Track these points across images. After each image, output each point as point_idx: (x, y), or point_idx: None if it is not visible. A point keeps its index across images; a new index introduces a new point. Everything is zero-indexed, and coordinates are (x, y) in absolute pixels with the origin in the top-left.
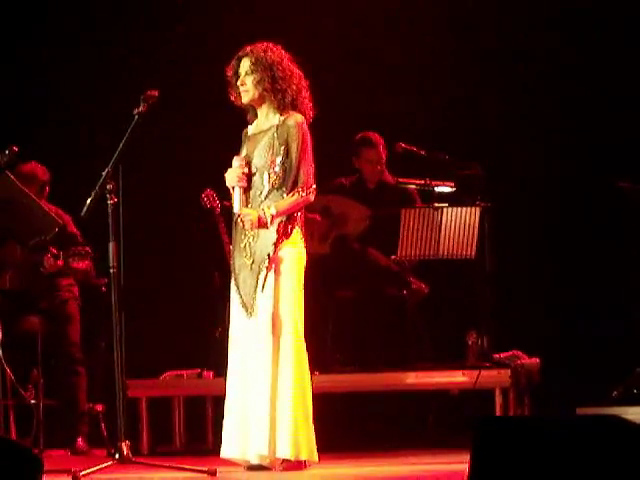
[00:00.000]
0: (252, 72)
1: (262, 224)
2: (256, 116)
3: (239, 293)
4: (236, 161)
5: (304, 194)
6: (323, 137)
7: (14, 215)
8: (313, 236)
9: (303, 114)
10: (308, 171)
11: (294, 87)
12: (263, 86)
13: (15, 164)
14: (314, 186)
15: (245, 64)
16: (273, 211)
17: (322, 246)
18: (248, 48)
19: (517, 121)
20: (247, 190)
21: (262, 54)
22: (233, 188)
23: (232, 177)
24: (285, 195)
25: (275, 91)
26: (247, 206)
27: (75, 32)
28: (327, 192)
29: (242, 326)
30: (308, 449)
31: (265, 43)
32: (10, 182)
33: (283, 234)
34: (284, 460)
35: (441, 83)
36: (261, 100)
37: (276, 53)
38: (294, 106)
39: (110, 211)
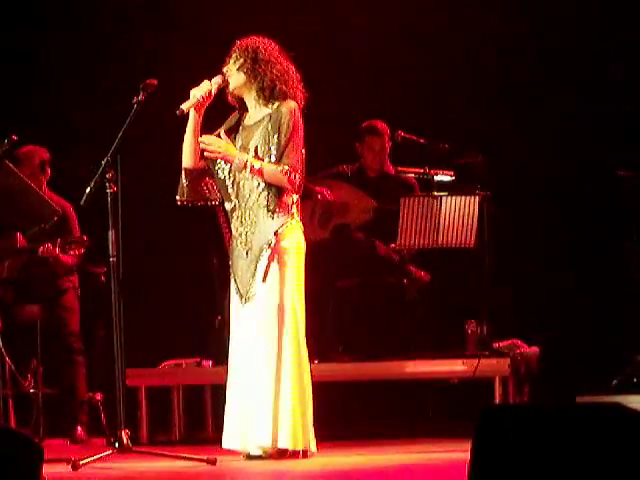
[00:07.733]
0: (237, 59)
1: (242, 167)
2: (247, 110)
3: (236, 281)
4: (218, 78)
5: (289, 174)
6: (322, 124)
7: (13, 204)
8: (313, 217)
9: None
10: (296, 156)
11: (276, 73)
12: (244, 69)
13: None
14: (298, 175)
15: (233, 55)
16: (258, 165)
17: (322, 231)
18: (238, 42)
19: (517, 109)
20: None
21: (248, 41)
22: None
23: (202, 88)
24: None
25: (255, 73)
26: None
27: (76, 18)
28: (327, 178)
29: (240, 315)
30: (305, 439)
31: (256, 35)
32: (9, 171)
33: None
34: (280, 449)
35: (441, 70)
36: (246, 88)
37: (264, 42)
38: (274, 92)
39: (109, 200)
